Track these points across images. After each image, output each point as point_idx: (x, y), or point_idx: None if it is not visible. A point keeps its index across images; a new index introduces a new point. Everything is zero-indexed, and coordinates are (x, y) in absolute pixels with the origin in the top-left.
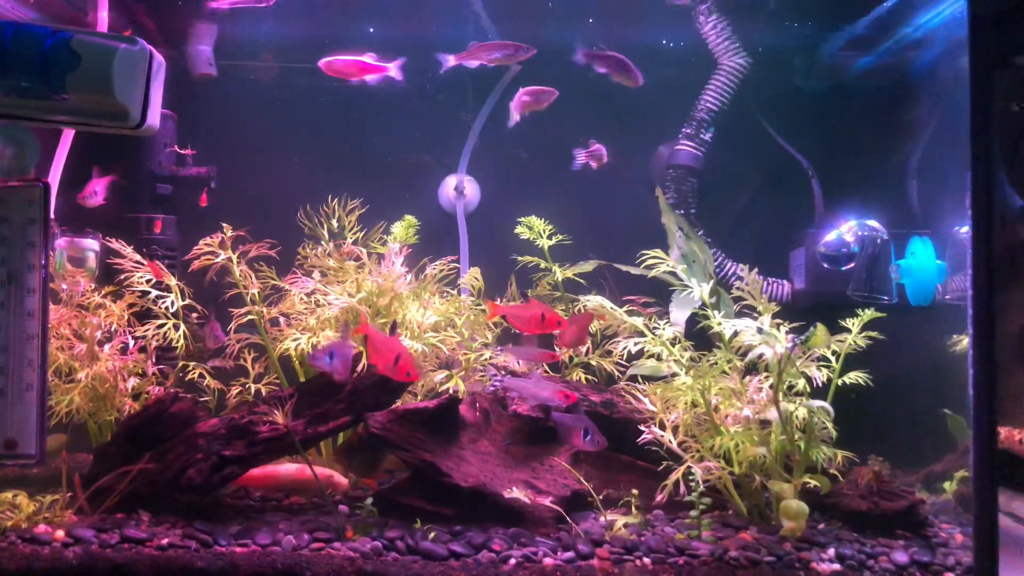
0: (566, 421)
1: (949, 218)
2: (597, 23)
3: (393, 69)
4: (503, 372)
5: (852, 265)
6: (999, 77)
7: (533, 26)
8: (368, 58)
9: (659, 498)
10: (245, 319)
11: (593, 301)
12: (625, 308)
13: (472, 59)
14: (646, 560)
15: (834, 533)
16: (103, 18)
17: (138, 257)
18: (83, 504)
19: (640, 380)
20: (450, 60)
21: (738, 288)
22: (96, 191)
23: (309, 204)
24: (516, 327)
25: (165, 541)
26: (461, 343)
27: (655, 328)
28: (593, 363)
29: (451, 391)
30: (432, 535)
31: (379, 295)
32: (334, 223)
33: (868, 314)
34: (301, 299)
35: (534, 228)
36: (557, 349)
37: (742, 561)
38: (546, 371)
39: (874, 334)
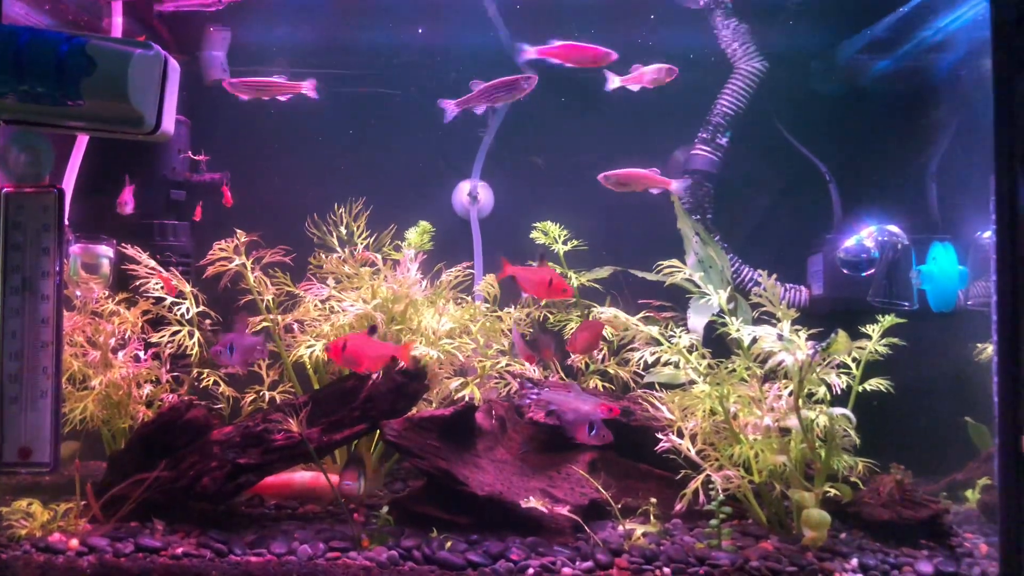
0: (578, 416)
1: (970, 223)
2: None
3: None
4: (520, 379)
5: (872, 271)
6: (1020, 79)
7: (547, 32)
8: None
9: (678, 507)
10: (259, 326)
11: (607, 313)
12: (642, 314)
13: (476, 102)
14: (666, 570)
15: (856, 543)
16: (118, 24)
17: (153, 264)
18: (97, 512)
19: (657, 387)
20: (451, 106)
21: (756, 294)
22: (128, 200)
23: (322, 210)
24: (524, 288)
25: (180, 550)
26: (476, 350)
27: (671, 336)
28: (611, 371)
29: (467, 398)
30: (448, 544)
31: (394, 301)
32: (342, 230)
33: (888, 320)
34: (315, 306)
35: (549, 233)
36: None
37: (763, 571)
38: (562, 377)
39: (895, 341)
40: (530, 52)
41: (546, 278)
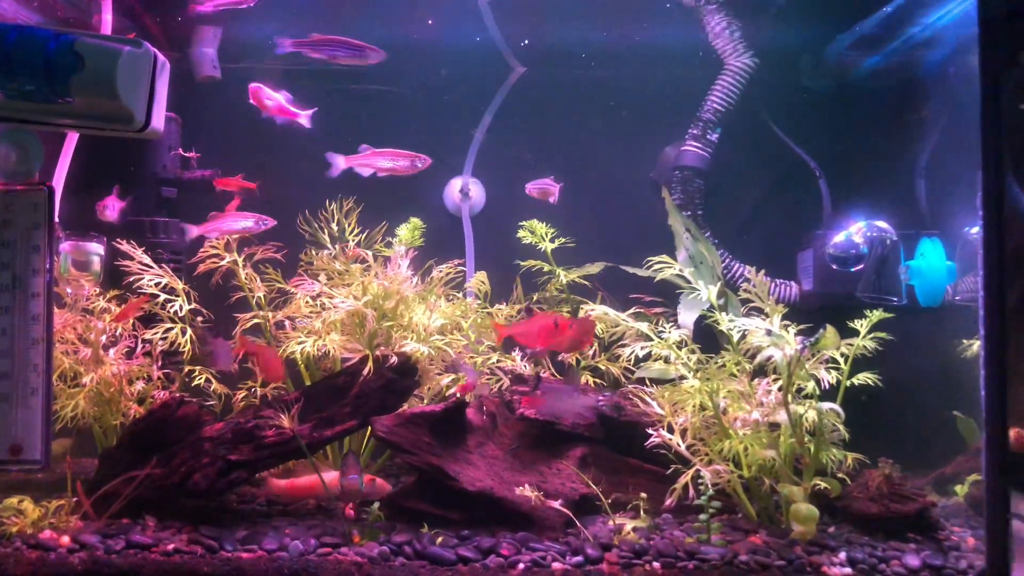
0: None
1: (959, 218)
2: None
3: (304, 118)
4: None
5: (861, 266)
6: (1007, 76)
7: (536, 24)
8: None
9: (668, 502)
10: (250, 323)
11: (598, 311)
12: (632, 310)
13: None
14: (655, 564)
15: (845, 536)
16: (107, 21)
17: (147, 260)
18: (88, 509)
19: (648, 383)
20: (340, 162)
21: (746, 290)
22: (112, 206)
23: (314, 207)
24: (528, 345)
25: (171, 547)
26: (467, 346)
27: (662, 331)
28: (601, 366)
29: (458, 394)
30: (440, 540)
31: (385, 298)
32: (333, 227)
33: (877, 315)
34: (307, 302)
35: (536, 232)
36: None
37: (752, 565)
38: (553, 374)
39: (884, 335)
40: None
41: (549, 323)
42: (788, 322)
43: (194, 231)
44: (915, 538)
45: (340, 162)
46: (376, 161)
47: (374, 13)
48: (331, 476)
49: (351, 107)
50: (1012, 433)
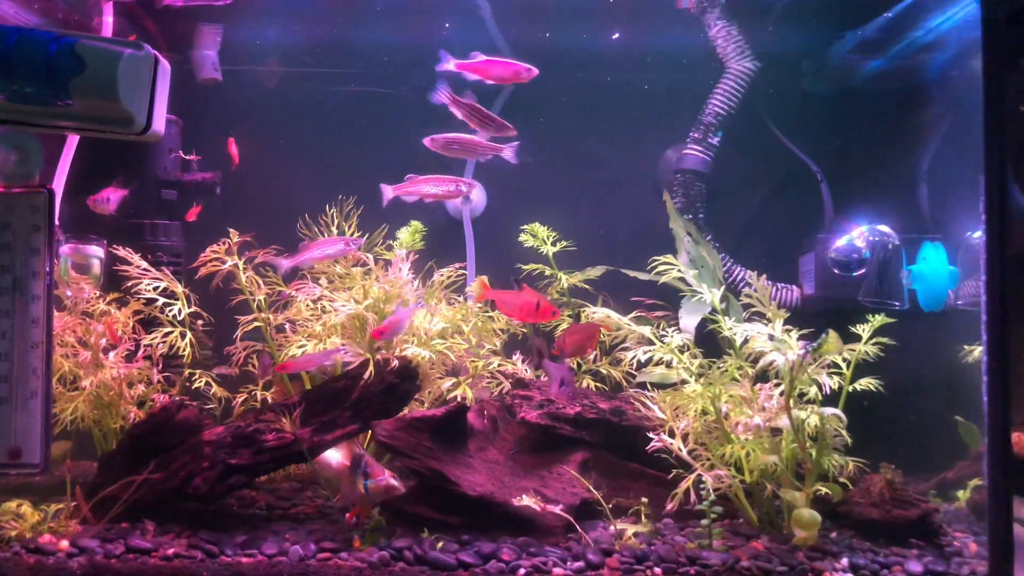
0: (552, 370)
1: (961, 223)
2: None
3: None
4: (511, 380)
5: (863, 271)
6: (1010, 79)
7: (539, 30)
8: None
9: (669, 507)
10: (251, 326)
11: (599, 313)
12: (634, 313)
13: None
14: (657, 570)
15: (847, 542)
16: (108, 23)
17: (145, 264)
18: (87, 514)
19: (649, 387)
20: (388, 192)
21: (747, 294)
22: (109, 199)
23: (314, 209)
24: (505, 313)
25: (171, 551)
26: (469, 350)
27: (663, 335)
28: (603, 370)
29: (458, 399)
30: (440, 545)
31: (386, 301)
32: (333, 230)
33: (879, 320)
34: (307, 306)
35: (538, 235)
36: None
37: (754, 571)
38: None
39: (886, 340)
40: (449, 64)
41: (532, 302)
42: (790, 327)
43: (286, 264)
44: (917, 544)
45: (388, 192)
46: (421, 188)
47: (375, 13)
48: (334, 459)
49: (352, 109)
50: (1014, 437)
